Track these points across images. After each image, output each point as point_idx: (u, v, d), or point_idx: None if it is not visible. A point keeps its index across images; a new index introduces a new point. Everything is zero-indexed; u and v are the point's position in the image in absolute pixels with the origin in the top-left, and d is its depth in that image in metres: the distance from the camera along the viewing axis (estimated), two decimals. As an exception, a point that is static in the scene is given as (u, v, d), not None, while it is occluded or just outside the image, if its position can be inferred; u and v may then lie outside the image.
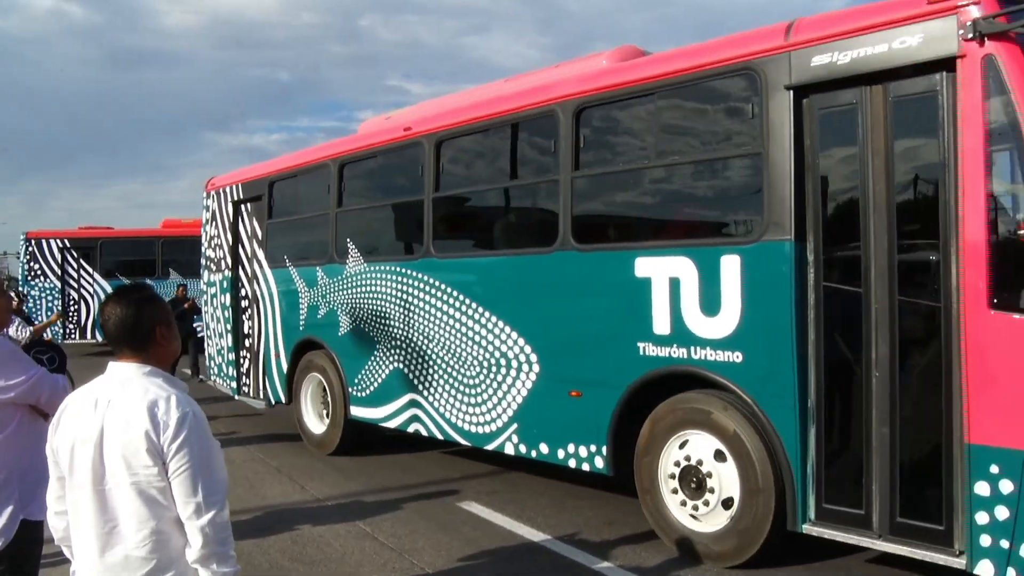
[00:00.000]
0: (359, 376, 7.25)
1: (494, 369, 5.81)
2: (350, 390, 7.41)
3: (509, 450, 5.78)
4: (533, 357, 5.52)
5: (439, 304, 6.25)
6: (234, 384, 9.55)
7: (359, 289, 7.15)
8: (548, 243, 5.44)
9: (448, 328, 6.18)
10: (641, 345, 4.82)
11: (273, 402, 8.74)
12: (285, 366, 8.38)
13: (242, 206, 9.33)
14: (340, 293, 7.41)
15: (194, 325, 13.00)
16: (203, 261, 10.24)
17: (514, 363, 5.65)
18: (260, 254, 8.78)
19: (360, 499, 6.18)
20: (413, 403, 6.65)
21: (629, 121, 5.23)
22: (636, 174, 5.12)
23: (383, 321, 6.88)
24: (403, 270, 6.62)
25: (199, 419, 2.05)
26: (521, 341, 5.58)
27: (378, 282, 6.91)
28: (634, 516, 5.27)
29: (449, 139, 6.30)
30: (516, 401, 5.67)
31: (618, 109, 5.19)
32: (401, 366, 6.73)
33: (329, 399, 7.74)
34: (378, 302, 6.92)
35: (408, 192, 6.95)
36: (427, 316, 6.39)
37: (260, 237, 8.82)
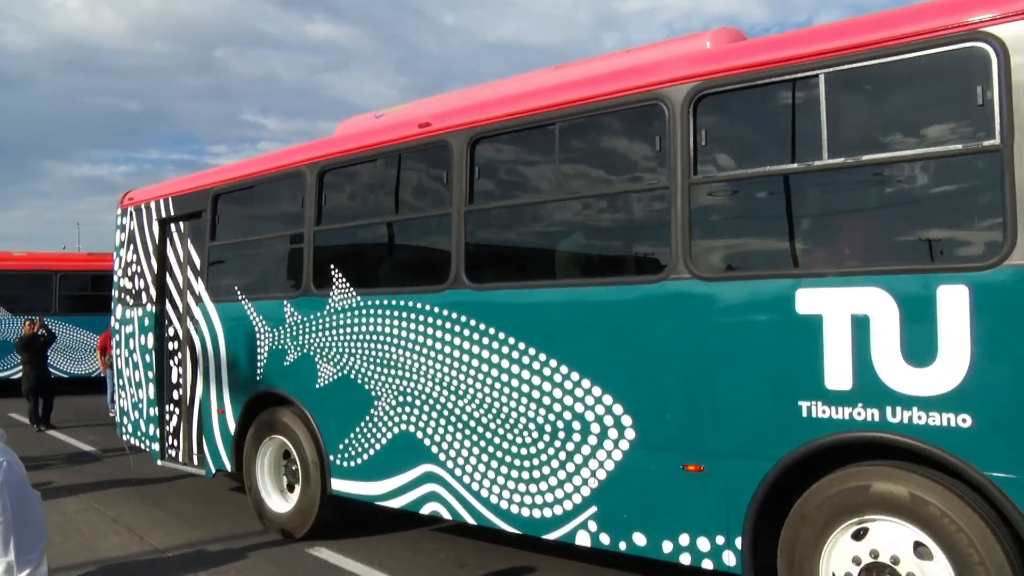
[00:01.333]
0: (347, 440, 5.67)
1: (562, 434, 4.45)
2: (332, 458, 5.80)
3: (583, 540, 4.40)
4: (625, 419, 4.20)
5: (475, 348, 4.83)
6: (156, 446, 7.62)
7: (349, 329, 5.61)
8: (652, 270, 4.18)
9: (489, 380, 4.76)
10: (805, 404, 3.63)
11: (214, 469, 6.92)
12: (232, 425, 6.63)
13: (172, 225, 7.55)
14: (320, 334, 5.83)
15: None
16: (116, 293, 8.28)
17: (594, 426, 4.31)
18: (198, 285, 7.03)
19: (204, 548, 5.93)
20: (430, 477, 5.15)
21: (774, 114, 4.04)
22: (778, 179, 3.93)
23: (386, 370, 5.37)
24: (419, 305, 5.16)
25: (13, 469, 2.13)
26: (606, 397, 4.26)
27: (379, 320, 5.41)
28: (490, 558, 5.38)
29: (489, 137, 4.94)
30: (596, 476, 4.32)
31: (750, 99, 4.01)
32: (413, 428, 5.23)
33: (299, 468, 6.08)
34: (379, 346, 5.41)
35: (424, 205, 5.53)
36: (456, 364, 4.95)
37: (198, 264, 7.08)
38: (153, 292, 7.60)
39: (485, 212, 5.06)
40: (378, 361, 5.41)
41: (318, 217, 5.94)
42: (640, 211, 4.59)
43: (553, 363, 4.48)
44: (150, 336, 7.61)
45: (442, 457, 5.08)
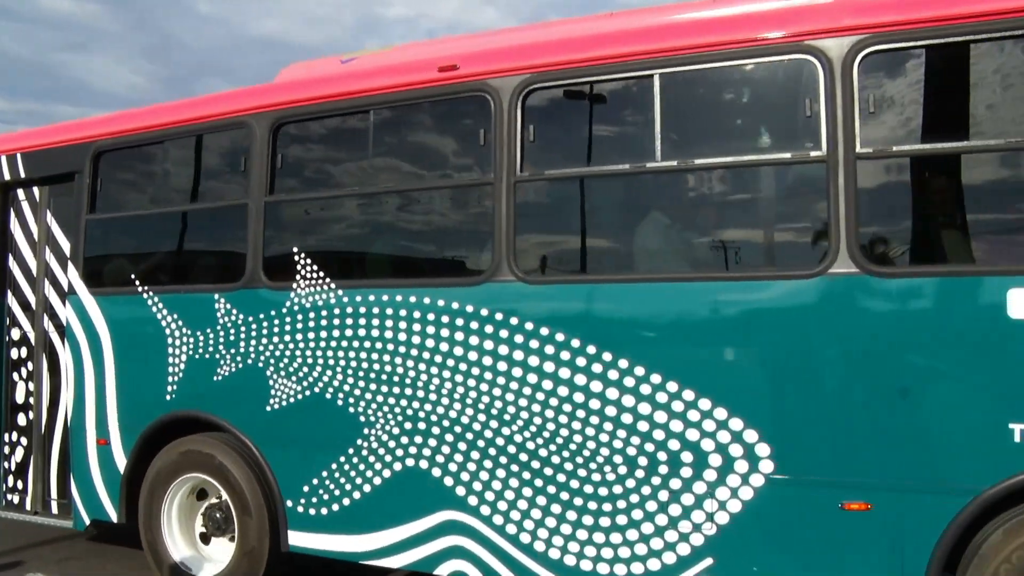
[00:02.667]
0: (317, 480, 4.28)
1: (663, 467, 3.50)
2: (289, 503, 4.38)
3: (692, 602, 3.47)
4: (761, 448, 3.33)
5: (523, 356, 3.73)
6: (-14, 491, 5.59)
7: (324, 333, 4.23)
8: (767, 260, 3.37)
9: (553, 400, 3.68)
10: (1018, 427, 2.98)
11: (87, 520, 5.12)
12: (122, 460, 4.92)
13: (19, 192, 5.59)
14: (273, 339, 4.38)
15: None
16: None
17: (714, 457, 3.40)
18: (67, 271, 5.20)
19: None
20: (453, 527, 3.95)
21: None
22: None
23: (385, 386, 4.08)
24: (443, 303, 3.95)
25: None
26: (734, 421, 3.36)
27: (375, 322, 4.10)
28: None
29: (549, 86, 3.86)
30: (717, 519, 3.41)
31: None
32: (426, 464, 4.00)
33: (232, 516, 4.56)
34: (375, 355, 4.10)
35: (445, 171, 4.31)
36: (499, 379, 3.80)
37: (67, 243, 5.25)
38: (21, 273, 5.58)
39: (541, 184, 3.96)
40: (373, 375, 4.11)
41: (270, 184, 4.48)
42: (756, 186, 3.76)
43: (655, 379, 3.51)
44: None
45: (472, 501, 3.90)
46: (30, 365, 5.50)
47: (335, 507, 4.25)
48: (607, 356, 3.60)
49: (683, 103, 3.67)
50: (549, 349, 3.71)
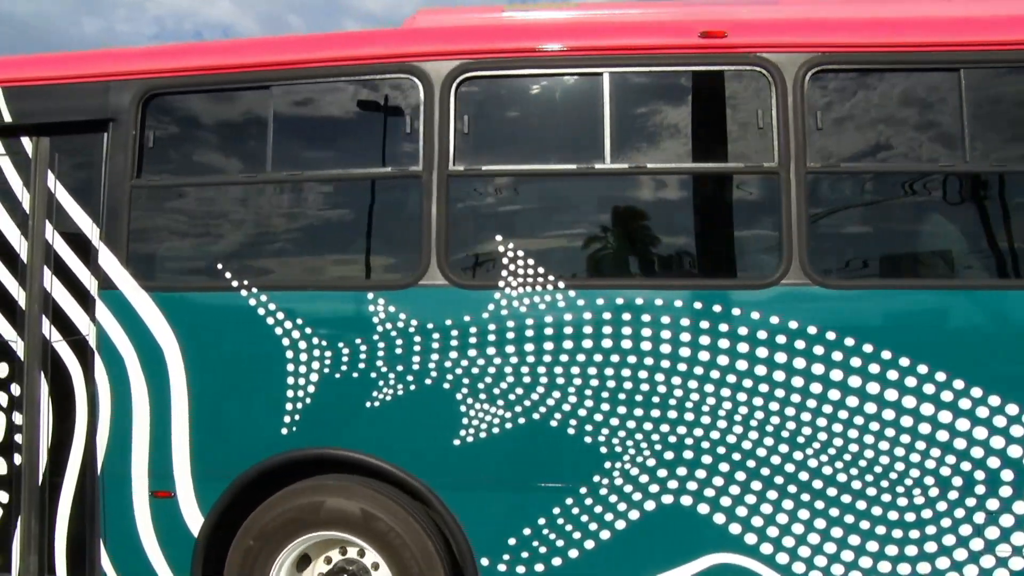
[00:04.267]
0: (530, 528, 3.39)
1: (980, 487, 3.21)
2: (486, 560, 3.44)
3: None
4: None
5: (825, 370, 3.24)
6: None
7: (546, 343, 3.39)
8: None
9: (853, 416, 3.24)
10: None
11: (123, 605, 3.69)
12: (195, 518, 3.61)
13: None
14: (464, 351, 3.43)
15: None
16: None
17: (1051, 478, 3.18)
18: (98, 257, 3.74)
19: None
20: (725, 572, 3.33)
21: None
22: None
23: (632, 408, 3.35)
24: (709, 307, 3.31)
25: None
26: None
27: (618, 329, 3.36)
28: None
29: (839, 68, 3.40)
30: (1047, 545, 3.19)
31: None
32: (686, 499, 3.34)
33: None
34: (618, 369, 3.35)
35: (703, 150, 3.63)
36: (787, 395, 3.27)
37: (93, 219, 3.79)
38: None
39: (828, 176, 3.47)
40: (622, 395, 3.36)
41: (454, 151, 3.52)
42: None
43: (975, 393, 3.21)
44: None
45: (750, 539, 3.32)
46: (14, 389, 3.88)
47: (557, 560, 3.42)
48: (922, 369, 3.24)
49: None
50: (855, 362, 3.26)
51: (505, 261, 3.45)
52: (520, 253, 3.44)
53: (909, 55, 3.38)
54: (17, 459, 3.85)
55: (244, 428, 3.61)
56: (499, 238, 3.47)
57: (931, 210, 3.54)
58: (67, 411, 3.83)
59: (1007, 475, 3.21)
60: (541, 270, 3.41)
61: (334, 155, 3.78)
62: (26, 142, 3.92)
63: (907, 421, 3.24)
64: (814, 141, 3.38)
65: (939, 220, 3.54)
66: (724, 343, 3.30)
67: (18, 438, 3.86)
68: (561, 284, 3.40)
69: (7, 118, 3.88)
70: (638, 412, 3.35)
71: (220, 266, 3.67)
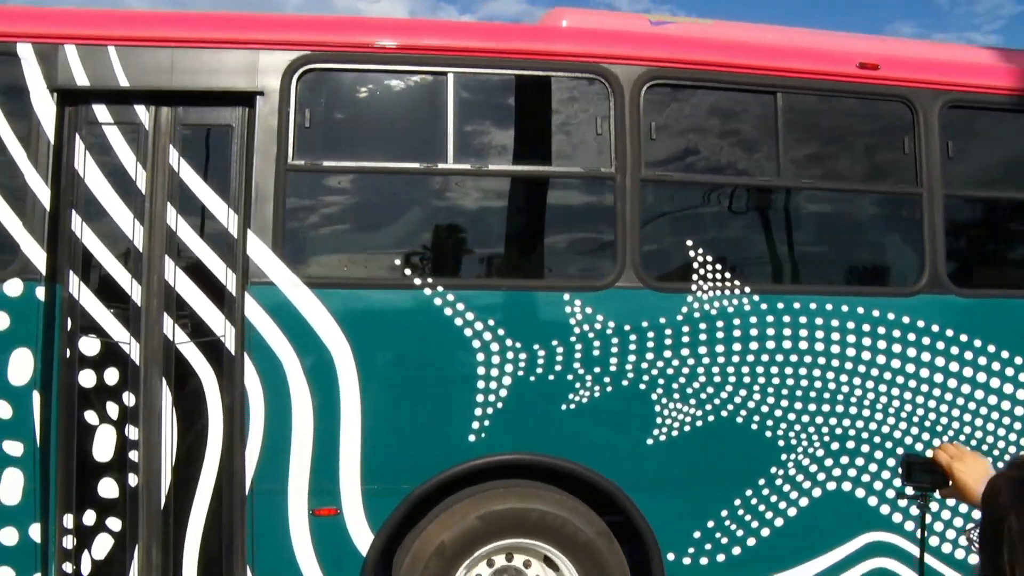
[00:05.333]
0: (713, 521, 3.54)
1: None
2: (671, 555, 3.53)
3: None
4: None
5: (973, 373, 3.76)
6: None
7: (735, 344, 3.55)
8: None
9: (1003, 417, 3.78)
10: None
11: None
12: (364, 535, 3.34)
13: (94, 110, 3.34)
14: (660, 353, 3.50)
15: None
16: None
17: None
18: (246, 248, 3.31)
19: None
20: (877, 549, 3.70)
21: None
22: None
23: (807, 404, 3.63)
24: (869, 312, 3.68)
25: None
26: None
27: (796, 332, 3.62)
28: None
29: (971, 106, 3.90)
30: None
31: None
32: (847, 485, 3.67)
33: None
34: (796, 368, 3.62)
35: (857, 170, 4.00)
36: (942, 394, 3.74)
37: (253, 204, 3.34)
38: (36, 254, 3.18)
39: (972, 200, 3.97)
40: (799, 392, 3.62)
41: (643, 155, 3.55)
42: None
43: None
44: (27, 357, 3.14)
45: (897, 519, 3.75)
46: (127, 399, 3.30)
47: (736, 550, 3.61)
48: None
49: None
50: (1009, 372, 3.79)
51: (696, 265, 3.58)
52: (709, 258, 3.59)
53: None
54: (132, 480, 3.30)
55: (425, 436, 3.40)
56: (690, 242, 3.60)
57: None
58: (196, 423, 3.36)
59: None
60: (728, 275, 3.59)
61: (519, 149, 3.66)
62: (142, 111, 3.36)
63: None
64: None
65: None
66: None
67: (133, 455, 3.30)
68: (747, 288, 3.60)
69: (123, 82, 3.30)
70: (810, 407, 3.65)
71: (398, 261, 3.42)
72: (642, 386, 3.51)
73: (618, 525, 3.55)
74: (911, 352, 3.73)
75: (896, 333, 3.72)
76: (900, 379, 3.73)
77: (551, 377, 3.44)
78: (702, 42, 3.81)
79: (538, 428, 3.47)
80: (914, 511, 3.73)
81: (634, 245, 3.50)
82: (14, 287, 3.18)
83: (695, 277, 3.57)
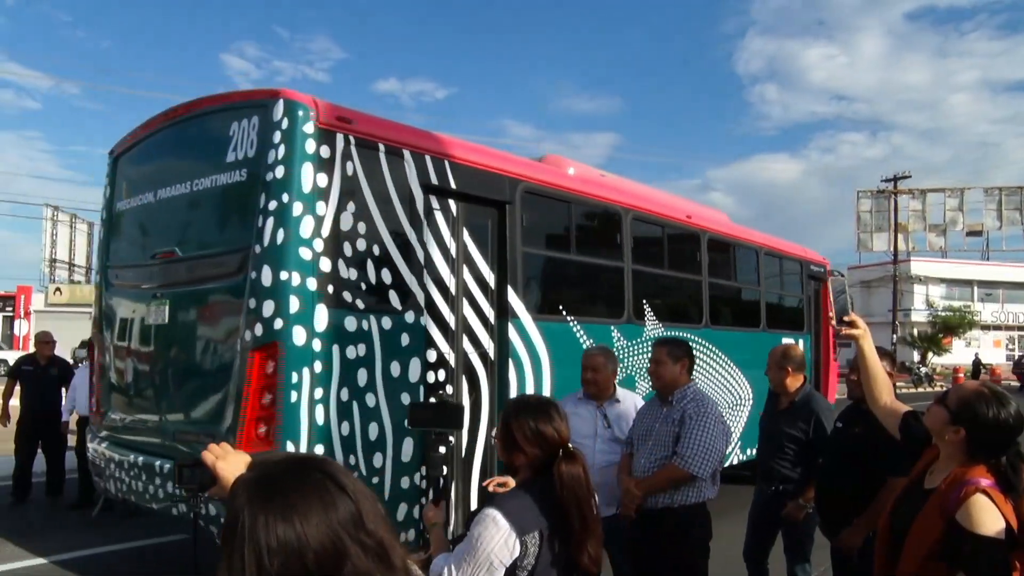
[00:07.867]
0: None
1: None
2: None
3: None
4: None
5: None
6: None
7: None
8: None
9: None
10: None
11: None
12: None
13: (433, 200, 5.12)
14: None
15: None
16: (296, 278, 4.07)
17: None
18: (499, 293, 5.45)
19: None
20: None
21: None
22: None
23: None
24: None
25: None
26: None
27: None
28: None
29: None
30: None
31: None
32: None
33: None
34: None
35: None
36: None
37: (500, 268, 5.47)
38: (437, 292, 4.83)
39: None
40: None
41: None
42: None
43: None
44: (413, 364, 4.68)
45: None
46: (449, 389, 5.03)
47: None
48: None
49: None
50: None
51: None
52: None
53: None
54: (451, 440, 5.06)
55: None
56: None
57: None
58: (474, 398, 5.28)
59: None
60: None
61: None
62: (452, 204, 5.21)
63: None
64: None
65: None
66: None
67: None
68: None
69: (451, 185, 5.13)
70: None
71: (561, 306, 5.95)
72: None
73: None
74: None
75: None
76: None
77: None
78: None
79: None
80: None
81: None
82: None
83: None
